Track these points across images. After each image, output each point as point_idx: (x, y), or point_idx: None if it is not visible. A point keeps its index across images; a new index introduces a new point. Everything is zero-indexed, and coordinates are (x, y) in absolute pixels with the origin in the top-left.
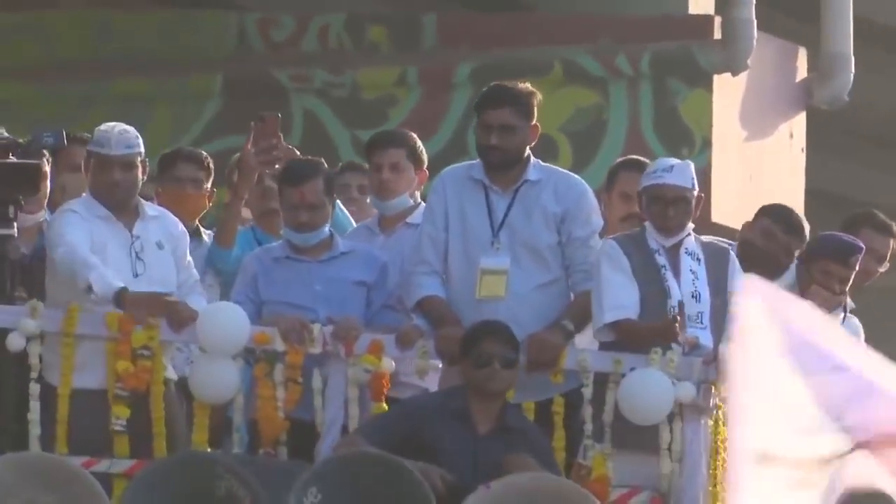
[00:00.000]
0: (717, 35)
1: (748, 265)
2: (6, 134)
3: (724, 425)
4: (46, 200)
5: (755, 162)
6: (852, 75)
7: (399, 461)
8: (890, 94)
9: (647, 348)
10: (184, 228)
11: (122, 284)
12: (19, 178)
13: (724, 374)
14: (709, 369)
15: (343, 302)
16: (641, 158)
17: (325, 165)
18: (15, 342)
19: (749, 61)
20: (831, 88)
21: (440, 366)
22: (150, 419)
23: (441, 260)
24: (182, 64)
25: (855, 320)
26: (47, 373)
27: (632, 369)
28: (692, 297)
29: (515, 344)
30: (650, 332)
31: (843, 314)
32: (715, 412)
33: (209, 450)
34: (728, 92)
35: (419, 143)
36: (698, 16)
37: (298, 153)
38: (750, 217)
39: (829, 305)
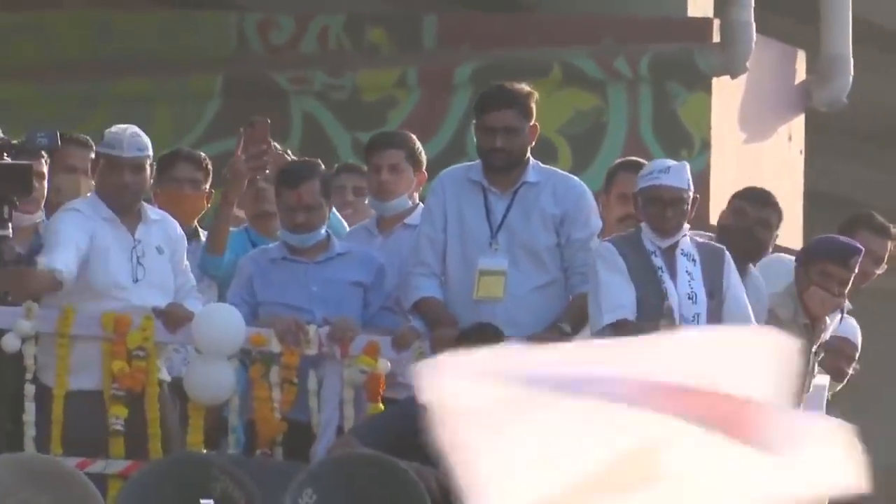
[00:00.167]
0: (716, 38)
1: (729, 249)
2: (0, 134)
3: None
4: (44, 201)
5: (754, 164)
6: (851, 77)
7: (394, 462)
8: (889, 95)
9: None
10: (182, 232)
11: (60, 267)
12: (12, 178)
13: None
14: None
15: (339, 303)
16: (640, 160)
17: (322, 167)
18: (10, 343)
19: (748, 64)
20: (830, 90)
21: None
22: (144, 420)
23: (439, 261)
24: (182, 65)
25: (852, 321)
26: (42, 374)
27: None
28: (688, 298)
29: None
30: (647, 333)
31: (840, 315)
32: None
33: (204, 451)
34: (727, 94)
35: (418, 144)
36: (697, 18)
37: (290, 157)
38: None
39: (829, 307)
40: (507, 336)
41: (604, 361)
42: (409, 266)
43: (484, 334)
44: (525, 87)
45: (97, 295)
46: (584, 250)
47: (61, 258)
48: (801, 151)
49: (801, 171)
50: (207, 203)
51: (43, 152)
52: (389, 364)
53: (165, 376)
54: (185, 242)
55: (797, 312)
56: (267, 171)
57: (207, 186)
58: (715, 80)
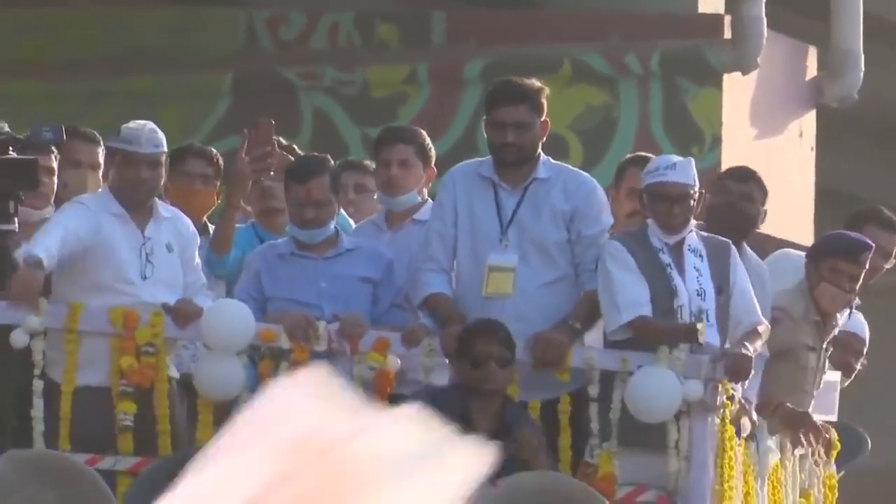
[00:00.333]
0: (727, 34)
1: (716, 228)
2: (6, 129)
3: (730, 423)
4: (53, 197)
5: (765, 160)
6: (862, 73)
7: None
8: None
9: (659, 346)
10: (195, 230)
11: (40, 256)
12: (17, 173)
13: (731, 372)
14: (716, 367)
15: (348, 299)
16: (650, 155)
17: (332, 162)
18: (19, 339)
19: (759, 60)
20: (841, 86)
21: (447, 363)
22: (153, 416)
23: (449, 257)
24: (191, 61)
25: (860, 316)
26: (50, 369)
27: (639, 367)
28: (697, 294)
29: (511, 343)
30: (671, 332)
31: (848, 311)
32: (722, 410)
33: None
34: (738, 90)
35: (428, 139)
36: (708, 14)
37: (298, 152)
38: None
39: (840, 304)
40: (514, 331)
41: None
42: (418, 262)
43: (487, 330)
44: (536, 82)
45: (104, 290)
46: (594, 246)
47: (41, 244)
48: (812, 148)
49: (812, 167)
50: (218, 199)
51: (53, 148)
52: (399, 361)
53: (174, 373)
54: (198, 240)
55: (808, 309)
56: (272, 173)
57: (218, 182)
58: (726, 76)
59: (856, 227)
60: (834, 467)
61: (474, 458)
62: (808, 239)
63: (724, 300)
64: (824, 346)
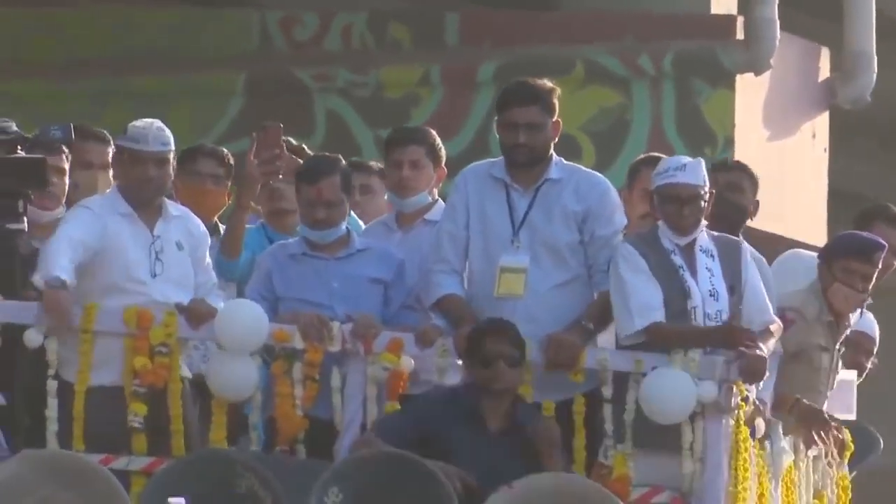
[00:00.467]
0: (740, 35)
1: (710, 222)
2: (14, 128)
3: (745, 425)
4: (64, 197)
5: (777, 162)
6: (875, 75)
7: (421, 461)
8: None
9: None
10: (205, 230)
11: (56, 275)
12: (26, 172)
13: (745, 373)
14: (730, 368)
15: (359, 299)
16: (662, 156)
17: (343, 162)
18: (32, 338)
19: (772, 61)
20: (854, 88)
21: (459, 364)
22: (167, 416)
23: (461, 258)
24: (204, 62)
25: (870, 316)
26: (63, 369)
27: (653, 368)
28: (710, 295)
29: (521, 342)
30: (681, 338)
31: (859, 311)
32: (736, 412)
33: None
34: (751, 92)
35: (438, 139)
36: (721, 15)
37: (304, 155)
38: (774, 219)
39: (853, 304)
40: (526, 332)
41: None
42: (429, 263)
43: (497, 330)
44: (547, 82)
45: (115, 289)
46: (608, 247)
47: (55, 264)
48: (825, 149)
49: (826, 168)
50: (229, 199)
51: (64, 148)
52: (413, 361)
53: (186, 373)
54: (208, 240)
55: (822, 310)
56: (280, 176)
57: (229, 183)
58: (739, 78)
59: (864, 225)
60: (846, 468)
61: None
62: (821, 240)
63: (736, 299)
64: (837, 346)
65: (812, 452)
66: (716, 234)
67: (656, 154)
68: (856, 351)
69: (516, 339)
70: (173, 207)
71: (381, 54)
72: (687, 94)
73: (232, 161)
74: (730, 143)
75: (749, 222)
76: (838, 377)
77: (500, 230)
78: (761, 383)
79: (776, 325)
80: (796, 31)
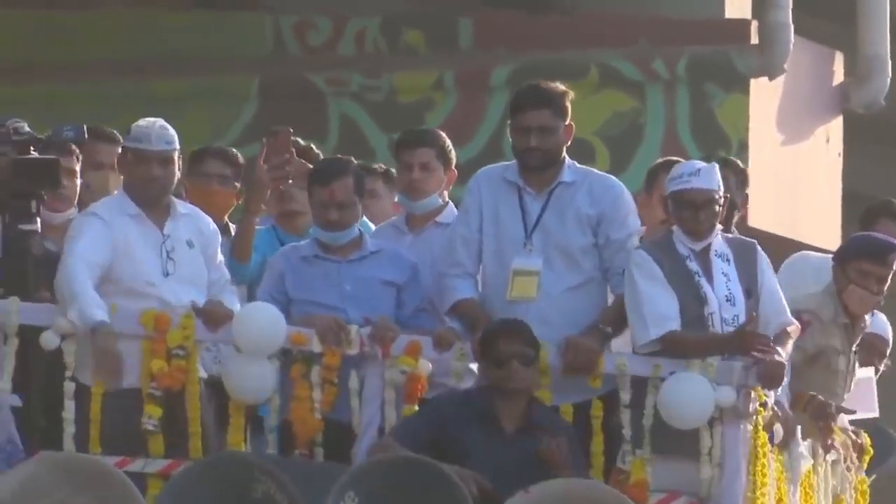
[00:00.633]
0: (754, 39)
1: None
2: (27, 129)
3: (763, 430)
4: (76, 198)
5: (791, 166)
6: (889, 79)
7: (437, 465)
8: None
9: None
10: (216, 227)
11: (102, 318)
12: (38, 173)
13: (763, 378)
14: (748, 374)
15: (372, 302)
16: (681, 160)
17: (356, 164)
18: (49, 340)
19: (786, 65)
20: (868, 92)
21: (474, 369)
22: (184, 418)
23: (474, 261)
24: (218, 66)
25: (883, 317)
26: (79, 372)
27: (671, 373)
28: (727, 300)
29: (534, 342)
30: (697, 346)
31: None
32: (755, 417)
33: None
34: (764, 96)
35: (448, 142)
36: (735, 20)
37: (312, 156)
38: (788, 224)
39: (868, 306)
40: (539, 335)
41: None
42: (442, 266)
43: (510, 330)
44: (560, 85)
45: (127, 292)
46: (623, 250)
47: (85, 300)
48: (838, 153)
49: (839, 172)
50: (238, 199)
51: (75, 149)
52: (430, 365)
53: (201, 373)
54: (219, 237)
55: (837, 312)
56: (290, 181)
57: (238, 184)
58: (753, 82)
59: (869, 222)
60: (865, 472)
61: None
62: (835, 244)
63: (753, 303)
64: (853, 348)
65: (831, 457)
66: (730, 236)
67: (674, 158)
68: (869, 353)
69: (530, 339)
70: (182, 206)
71: (394, 59)
72: (701, 99)
73: (241, 161)
74: (744, 147)
75: (740, 216)
76: (856, 377)
77: (513, 233)
78: (780, 388)
79: (794, 327)
80: (810, 36)
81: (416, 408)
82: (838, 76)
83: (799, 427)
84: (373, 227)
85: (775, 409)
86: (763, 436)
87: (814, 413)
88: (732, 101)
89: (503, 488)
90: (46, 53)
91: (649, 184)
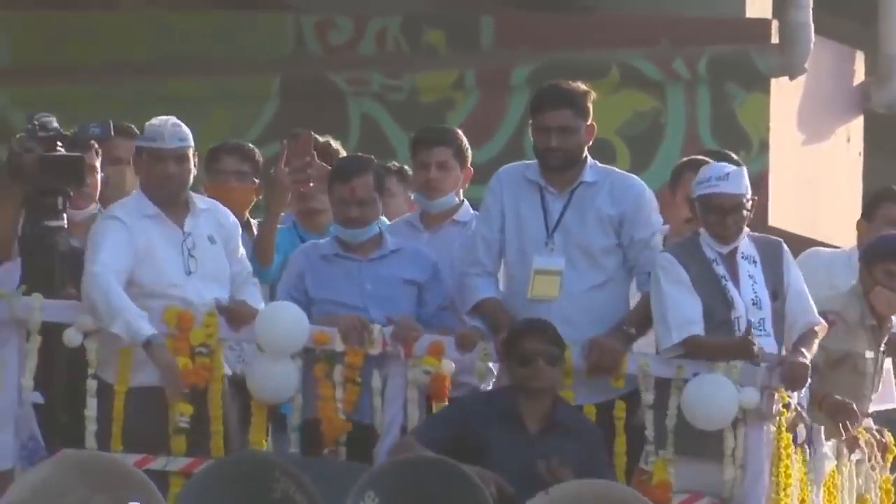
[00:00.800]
0: (775, 39)
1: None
2: (55, 124)
3: (786, 431)
4: (97, 194)
5: (812, 166)
6: None
7: (457, 465)
8: None
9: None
10: (235, 220)
11: (150, 332)
12: (64, 169)
13: (787, 379)
14: (772, 375)
15: (393, 300)
16: (706, 159)
17: (376, 161)
18: (72, 338)
19: (806, 65)
20: (889, 91)
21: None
22: (206, 417)
23: (495, 261)
24: (239, 66)
25: None
26: (102, 369)
27: (694, 374)
28: (753, 303)
29: (559, 341)
30: (724, 350)
31: None
32: (778, 418)
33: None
34: (785, 95)
35: (465, 140)
36: (756, 19)
37: (331, 153)
38: (809, 223)
39: (895, 307)
40: (561, 334)
41: None
42: (463, 266)
43: (535, 329)
44: (581, 85)
45: (149, 294)
46: (647, 248)
47: (131, 313)
48: (859, 153)
49: (860, 172)
50: (258, 195)
51: (95, 144)
52: (453, 365)
53: (227, 370)
54: (239, 229)
55: (863, 314)
56: (311, 185)
57: (257, 180)
58: (773, 81)
59: (872, 210)
60: (889, 471)
61: None
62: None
63: (779, 305)
64: (881, 348)
65: (855, 456)
66: (756, 235)
67: (700, 157)
68: (892, 352)
69: (555, 338)
70: (200, 201)
71: (415, 58)
72: (722, 98)
73: (259, 155)
74: (764, 147)
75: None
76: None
77: (535, 233)
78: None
79: (821, 327)
80: (831, 35)
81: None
82: (859, 75)
83: (823, 428)
84: (388, 223)
85: (798, 409)
86: (786, 437)
87: (829, 410)
88: (753, 101)
89: (526, 488)
90: (68, 54)
91: (674, 182)
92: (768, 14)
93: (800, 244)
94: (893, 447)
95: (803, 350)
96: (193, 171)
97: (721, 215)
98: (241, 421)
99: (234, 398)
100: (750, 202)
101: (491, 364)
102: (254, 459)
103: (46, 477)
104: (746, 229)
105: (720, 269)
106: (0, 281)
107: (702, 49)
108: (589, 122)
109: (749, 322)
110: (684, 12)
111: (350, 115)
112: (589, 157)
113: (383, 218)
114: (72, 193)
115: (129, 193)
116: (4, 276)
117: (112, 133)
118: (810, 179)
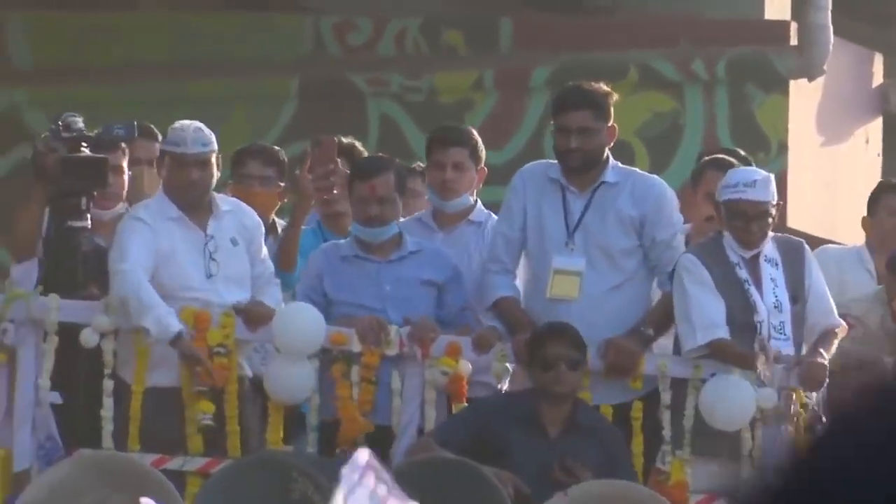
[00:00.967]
0: (794, 40)
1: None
2: (80, 124)
3: (804, 432)
4: (124, 193)
5: (831, 167)
6: None
7: (475, 466)
8: None
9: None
10: (258, 220)
11: (179, 328)
12: (87, 171)
13: (805, 380)
14: (790, 375)
15: (411, 302)
16: (728, 158)
17: (397, 161)
18: (88, 338)
19: (825, 67)
20: None
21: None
22: (223, 417)
23: (514, 259)
24: (258, 67)
25: None
26: (121, 369)
27: (712, 375)
28: (774, 307)
29: (582, 345)
30: (741, 359)
31: None
32: (795, 419)
33: (283, 448)
34: (804, 97)
35: (479, 139)
36: (775, 21)
37: (356, 153)
38: (828, 225)
39: None
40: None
41: None
42: (484, 263)
43: (557, 333)
44: (603, 86)
45: (170, 296)
46: (669, 248)
47: (160, 309)
48: (878, 154)
49: (879, 173)
50: (283, 199)
51: (123, 145)
52: (470, 365)
53: (247, 372)
54: (262, 230)
55: (885, 318)
56: (335, 192)
57: (282, 182)
58: (792, 83)
59: (874, 202)
60: None
61: None
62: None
63: (799, 308)
64: None
65: None
66: (779, 235)
67: (723, 157)
68: None
69: (577, 342)
70: (224, 202)
71: (434, 59)
72: (740, 100)
73: (284, 158)
74: (783, 148)
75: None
76: None
77: (555, 232)
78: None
79: (842, 328)
80: (849, 37)
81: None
82: (878, 77)
83: None
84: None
85: (815, 410)
86: (804, 438)
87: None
88: (772, 103)
89: (545, 491)
90: (87, 56)
91: (695, 180)
92: (787, 16)
93: (818, 245)
94: None
95: (822, 351)
96: (217, 175)
97: (746, 221)
98: (261, 422)
99: (255, 400)
100: (775, 208)
101: (508, 364)
102: (271, 460)
103: (63, 477)
104: (771, 234)
105: (743, 273)
106: (18, 280)
107: (721, 50)
108: (610, 124)
109: (761, 341)
110: (703, 14)
111: (369, 115)
112: (611, 158)
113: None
114: (95, 194)
115: (147, 194)
116: (22, 275)
117: (136, 134)
118: (829, 181)
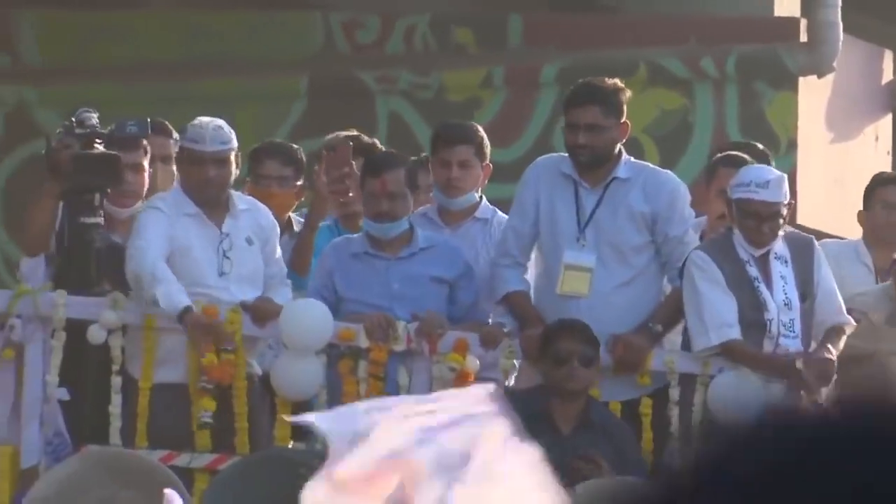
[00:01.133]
0: (803, 37)
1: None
2: (94, 120)
3: None
4: (144, 191)
5: (840, 165)
6: None
7: None
8: None
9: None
10: (274, 220)
11: (188, 303)
12: (100, 168)
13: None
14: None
15: (420, 299)
16: (741, 154)
17: (408, 157)
18: (96, 334)
19: (835, 64)
20: None
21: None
22: (232, 414)
23: (524, 253)
24: (267, 65)
25: None
26: (129, 365)
27: (720, 370)
28: (784, 304)
29: (595, 342)
30: (765, 364)
31: None
32: None
33: (292, 444)
34: (814, 94)
35: (484, 135)
36: (784, 18)
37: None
38: (837, 222)
39: None
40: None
41: None
42: (494, 256)
43: (570, 329)
44: (615, 83)
45: None
46: (681, 244)
47: (171, 285)
48: (888, 152)
49: (889, 171)
50: (300, 197)
51: (145, 143)
52: (478, 361)
53: (257, 370)
54: (277, 230)
55: (892, 314)
56: (350, 195)
57: (300, 181)
58: (802, 80)
59: (869, 196)
60: None
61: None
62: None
63: (808, 305)
64: None
65: None
66: (789, 231)
67: (736, 154)
68: None
69: (591, 338)
70: (241, 200)
71: (443, 57)
72: (750, 97)
73: (303, 156)
74: (792, 145)
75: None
76: None
77: (566, 227)
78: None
79: (850, 326)
80: (859, 34)
81: None
82: (888, 74)
83: None
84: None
85: (823, 405)
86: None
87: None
88: (781, 100)
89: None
90: (96, 54)
91: (709, 177)
92: (797, 13)
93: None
94: None
95: (829, 346)
96: (235, 173)
97: (758, 221)
98: (270, 419)
99: (265, 397)
100: (787, 207)
101: (515, 361)
102: (279, 456)
103: (71, 473)
104: (781, 232)
105: (753, 271)
106: (26, 276)
107: (730, 47)
108: (622, 120)
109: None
110: (713, 11)
111: (378, 113)
112: (624, 153)
113: None
114: (109, 190)
115: (160, 190)
116: (30, 271)
117: (149, 131)
118: (838, 178)
